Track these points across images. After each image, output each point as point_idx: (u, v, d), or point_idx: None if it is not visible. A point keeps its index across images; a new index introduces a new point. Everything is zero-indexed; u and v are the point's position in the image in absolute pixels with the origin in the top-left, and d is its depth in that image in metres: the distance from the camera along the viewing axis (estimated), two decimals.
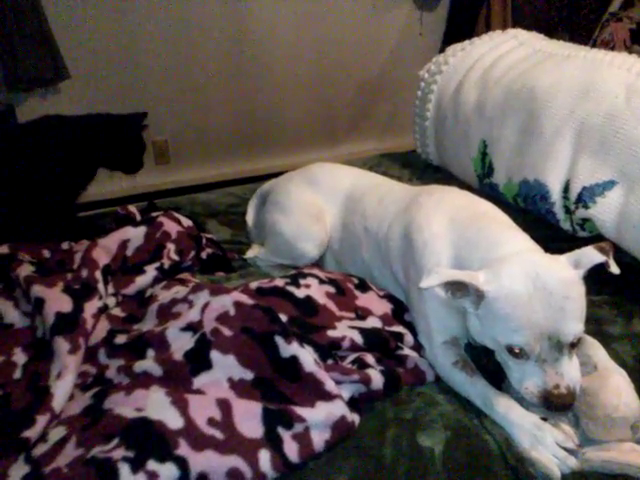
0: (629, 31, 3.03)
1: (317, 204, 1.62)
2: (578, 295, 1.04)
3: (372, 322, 1.33)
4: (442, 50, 2.25)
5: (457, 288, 1.09)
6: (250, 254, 1.69)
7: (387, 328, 1.32)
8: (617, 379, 1.08)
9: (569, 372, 1.03)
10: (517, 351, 1.03)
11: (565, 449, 1.02)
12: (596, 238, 1.47)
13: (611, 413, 1.02)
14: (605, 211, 1.42)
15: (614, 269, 1.08)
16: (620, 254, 1.42)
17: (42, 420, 1.04)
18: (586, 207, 1.46)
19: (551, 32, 3.26)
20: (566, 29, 3.47)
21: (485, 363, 1.23)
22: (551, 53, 1.75)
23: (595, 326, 1.31)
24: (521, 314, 1.01)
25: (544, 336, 1.01)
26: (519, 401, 1.10)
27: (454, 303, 1.13)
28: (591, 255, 1.07)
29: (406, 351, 1.27)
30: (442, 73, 2.04)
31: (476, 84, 1.87)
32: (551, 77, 1.63)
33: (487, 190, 1.83)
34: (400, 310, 1.39)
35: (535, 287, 1.02)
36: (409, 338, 1.31)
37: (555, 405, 1.02)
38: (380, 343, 1.26)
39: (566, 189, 1.53)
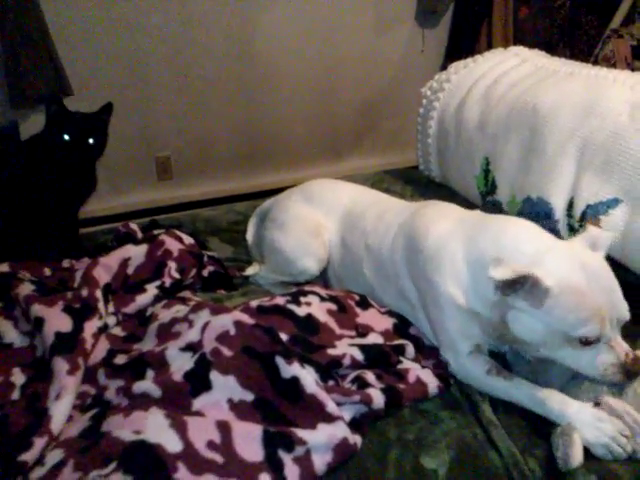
0: (630, 47, 3.04)
1: (316, 220, 1.62)
2: (613, 274, 1.12)
3: (373, 338, 1.32)
4: (444, 67, 2.26)
5: (509, 286, 1.07)
6: (250, 272, 1.68)
7: (388, 343, 1.31)
8: None
9: (623, 341, 1.10)
10: (591, 339, 1.06)
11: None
12: None
13: None
14: (610, 229, 1.41)
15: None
16: (625, 273, 1.41)
17: (40, 443, 1.03)
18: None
19: (552, 48, 3.28)
20: (567, 45, 3.48)
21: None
22: (554, 70, 1.75)
23: None
24: (589, 303, 1.05)
25: (607, 318, 1.06)
26: (571, 391, 1.12)
27: (499, 310, 1.13)
28: (601, 235, 1.18)
29: (407, 364, 1.26)
30: (444, 90, 2.04)
31: (479, 101, 1.87)
32: (554, 94, 1.63)
33: (490, 207, 1.82)
34: (403, 325, 1.38)
35: (587, 275, 1.07)
36: (410, 349, 1.31)
37: (634, 372, 1.07)
38: (381, 358, 1.25)
39: (570, 207, 1.52)
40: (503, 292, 1.08)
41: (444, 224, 1.32)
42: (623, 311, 1.08)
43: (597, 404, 1.09)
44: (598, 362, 1.08)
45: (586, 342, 1.07)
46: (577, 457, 1.00)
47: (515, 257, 1.12)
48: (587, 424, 1.05)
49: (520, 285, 1.06)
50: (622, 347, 1.08)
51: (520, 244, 1.16)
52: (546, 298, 1.06)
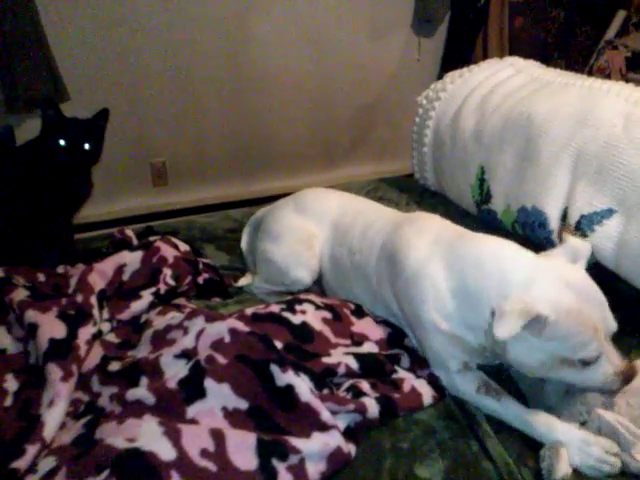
0: (625, 59, 3.07)
1: (308, 231, 1.61)
2: (596, 285, 1.11)
3: (368, 347, 1.32)
4: (440, 76, 2.27)
5: None
6: (243, 282, 1.68)
7: (383, 352, 1.31)
8: None
9: (615, 349, 1.11)
10: (591, 360, 1.06)
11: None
12: (593, 266, 1.46)
13: None
14: (604, 240, 1.42)
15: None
16: (619, 284, 1.42)
17: (32, 450, 1.02)
18: (584, 235, 1.46)
19: (547, 59, 3.30)
20: (562, 56, 3.51)
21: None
22: (549, 81, 1.77)
23: None
24: (585, 324, 1.05)
25: (602, 333, 1.06)
26: (556, 410, 1.13)
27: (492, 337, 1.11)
28: (581, 247, 1.17)
29: (402, 374, 1.26)
30: (440, 100, 2.04)
31: (474, 111, 1.88)
32: (549, 105, 1.64)
33: (485, 217, 1.83)
34: (398, 335, 1.37)
35: (577, 295, 1.07)
36: (405, 359, 1.31)
37: (631, 376, 1.09)
38: (376, 367, 1.25)
39: (564, 217, 1.53)
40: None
41: (423, 245, 1.30)
42: (612, 322, 1.09)
43: (583, 423, 1.10)
44: (598, 376, 1.08)
45: (586, 362, 1.07)
46: (561, 470, 1.01)
47: (503, 288, 1.10)
48: (574, 447, 1.05)
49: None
50: (616, 356, 1.09)
51: (505, 272, 1.13)
52: (545, 327, 1.04)
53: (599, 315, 1.07)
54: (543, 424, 1.10)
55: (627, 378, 1.09)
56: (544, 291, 1.07)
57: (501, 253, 1.20)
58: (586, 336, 1.05)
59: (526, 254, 1.19)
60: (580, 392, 1.13)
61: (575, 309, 1.05)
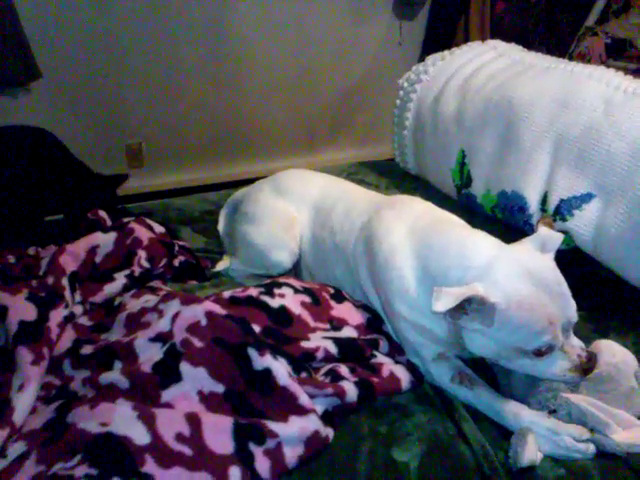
0: (604, 45, 3.08)
1: (287, 212, 1.59)
2: (562, 276, 1.08)
3: (347, 332, 1.31)
4: (421, 59, 2.25)
5: (457, 310, 1.04)
6: (221, 267, 1.65)
7: (362, 337, 1.30)
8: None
9: (576, 340, 1.09)
10: (544, 350, 1.04)
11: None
12: (572, 251, 1.47)
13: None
14: (583, 224, 1.42)
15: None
16: (597, 268, 1.43)
17: (1, 435, 1.00)
18: (564, 220, 1.46)
19: (528, 44, 3.29)
20: (543, 42, 3.51)
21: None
22: (530, 64, 1.76)
23: None
24: (538, 315, 1.02)
25: (558, 325, 1.04)
26: (526, 399, 1.12)
27: (454, 326, 1.11)
28: (551, 236, 1.12)
29: (380, 358, 1.26)
30: (421, 82, 2.03)
31: (456, 94, 1.87)
32: (530, 88, 1.64)
33: (465, 201, 1.82)
34: (377, 320, 1.37)
35: (534, 284, 1.04)
36: (384, 344, 1.30)
37: (589, 368, 1.07)
38: (355, 352, 1.24)
39: (544, 201, 1.53)
40: (453, 317, 1.06)
41: (398, 232, 1.28)
42: (572, 313, 1.06)
43: (553, 411, 1.09)
44: (555, 369, 1.07)
45: (540, 353, 1.05)
46: (527, 456, 1.01)
47: (463, 274, 1.09)
48: (542, 437, 1.05)
49: (467, 305, 1.03)
50: (575, 349, 1.07)
51: (466, 259, 1.11)
52: (494, 315, 1.03)
53: (557, 307, 1.04)
54: (511, 413, 1.10)
55: (587, 371, 1.07)
56: (499, 278, 1.05)
57: (466, 240, 1.17)
58: (538, 327, 1.02)
59: (491, 242, 1.16)
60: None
61: (530, 300, 1.03)
